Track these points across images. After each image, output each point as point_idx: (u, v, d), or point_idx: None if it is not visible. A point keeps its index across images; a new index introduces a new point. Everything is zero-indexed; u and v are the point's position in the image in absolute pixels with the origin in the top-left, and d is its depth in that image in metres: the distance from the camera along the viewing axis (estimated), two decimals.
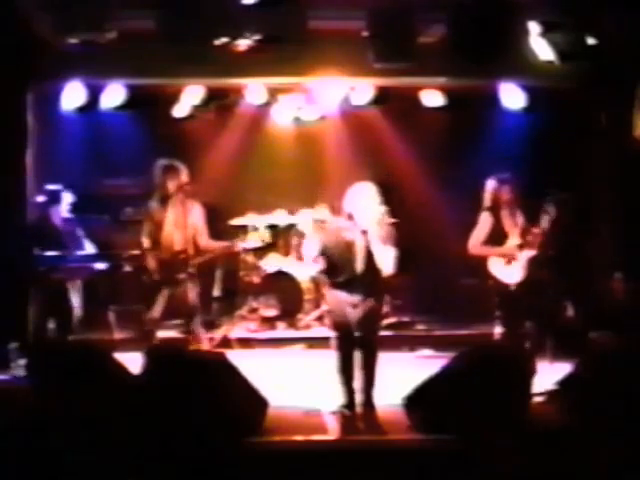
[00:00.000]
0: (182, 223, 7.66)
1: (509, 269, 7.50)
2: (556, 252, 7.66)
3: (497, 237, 7.57)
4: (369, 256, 6.28)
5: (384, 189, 6.46)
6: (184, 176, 7.66)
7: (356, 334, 6.31)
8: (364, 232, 6.27)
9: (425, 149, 10.53)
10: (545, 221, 7.39)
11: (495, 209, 7.56)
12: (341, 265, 6.33)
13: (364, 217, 6.27)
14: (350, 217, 6.35)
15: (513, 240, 7.51)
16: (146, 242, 7.72)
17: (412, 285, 10.16)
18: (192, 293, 7.70)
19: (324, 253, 6.42)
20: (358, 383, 6.33)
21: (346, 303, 6.32)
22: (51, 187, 8.34)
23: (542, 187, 7.90)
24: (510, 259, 7.52)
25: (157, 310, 7.63)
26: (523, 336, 7.40)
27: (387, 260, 6.29)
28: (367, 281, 6.29)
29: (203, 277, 8.13)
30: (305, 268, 9.67)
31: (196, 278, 7.77)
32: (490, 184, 7.65)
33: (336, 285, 6.37)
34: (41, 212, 8.31)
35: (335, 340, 6.36)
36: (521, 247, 7.50)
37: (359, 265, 6.29)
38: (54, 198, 8.26)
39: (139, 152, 9.98)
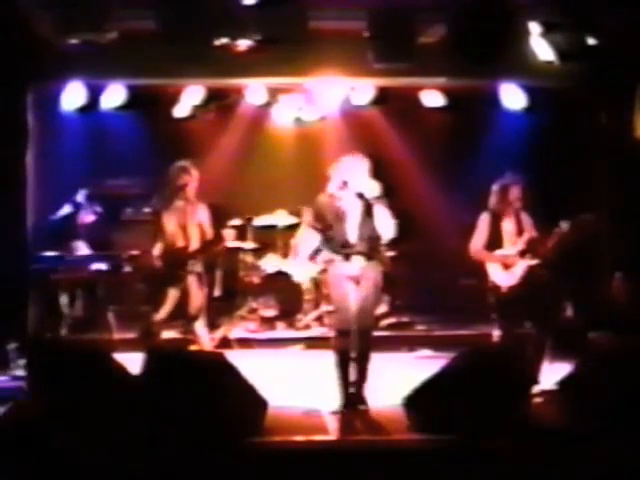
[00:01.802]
0: (186, 223, 7.66)
1: (505, 273, 7.47)
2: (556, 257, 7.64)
3: (496, 239, 7.52)
4: (364, 223, 6.40)
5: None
6: (195, 177, 7.68)
7: (353, 328, 6.32)
8: (360, 196, 6.37)
9: (425, 149, 10.54)
10: (555, 235, 7.34)
11: (497, 210, 7.51)
12: (336, 233, 6.43)
13: (359, 185, 6.39)
14: (344, 184, 6.43)
15: (515, 246, 7.44)
16: (156, 246, 7.68)
17: (412, 285, 10.18)
18: (198, 295, 7.70)
19: (319, 221, 6.55)
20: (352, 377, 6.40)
21: (346, 280, 6.36)
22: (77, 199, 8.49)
23: (542, 187, 7.92)
24: (509, 265, 7.48)
25: (164, 311, 7.63)
26: (523, 336, 7.40)
27: (387, 223, 6.42)
28: (363, 248, 6.40)
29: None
30: (304, 268, 9.67)
31: (203, 278, 7.77)
32: (498, 184, 7.57)
33: (331, 248, 6.47)
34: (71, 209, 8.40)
35: (333, 336, 6.53)
36: (523, 254, 7.45)
37: (354, 232, 6.40)
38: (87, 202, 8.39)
39: (140, 152, 10.01)
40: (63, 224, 8.42)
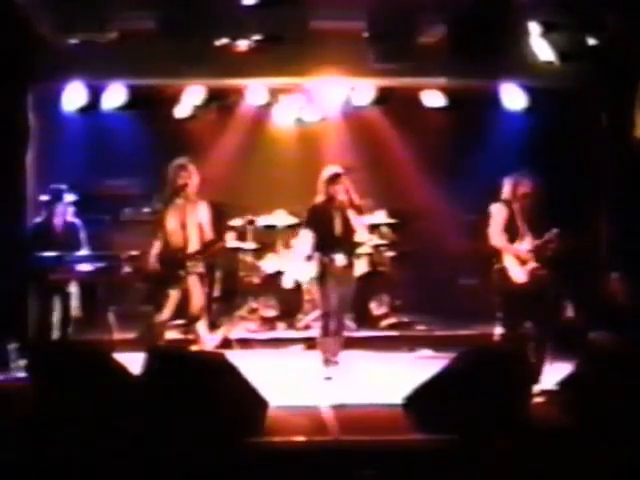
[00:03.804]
0: (186, 222, 7.66)
1: (521, 269, 7.36)
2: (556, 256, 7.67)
3: (511, 230, 7.46)
4: (346, 226, 7.62)
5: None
6: (194, 175, 7.68)
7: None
8: (341, 204, 7.60)
9: (426, 149, 10.53)
10: (554, 238, 7.37)
11: (509, 202, 7.48)
12: (325, 233, 7.62)
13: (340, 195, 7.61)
14: (329, 196, 7.64)
15: (527, 243, 7.43)
16: (156, 245, 7.68)
17: (412, 285, 10.18)
18: (200, 295, 7.69)
19: (308, 226, 7.82)
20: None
21: (329, 274, 7.55)
22: (54, 186, 8.38)
23: (542, 187, 7.93)
24: (523, 261, 7.46)
25: (167, 312, 7.62)
26: (523, 336, 7.40)
27: (360, 228, 7.74)
28: (345, 245, 7.64)
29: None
30: (304, 268, 9.67)
31: (203, 279, 7.77)
32: (508, 180, 7.55)
33: (321, 248, 7.64)
34: (44, 213, 8.34)
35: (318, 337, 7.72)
36: (532, 252, 7.45)
37: (338, 232, 7.61)
38: (57, 197, 8.29)
39: (140, 152, 10.00)
40: (38, 229, 8.39)
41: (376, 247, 9.95)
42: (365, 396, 6.84)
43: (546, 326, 7.39)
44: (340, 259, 7.61)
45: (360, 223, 7.76)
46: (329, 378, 7.49)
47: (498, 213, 7.40)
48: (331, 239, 7.63)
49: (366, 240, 8.41)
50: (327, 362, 7.62)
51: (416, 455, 5.26)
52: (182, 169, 7.65)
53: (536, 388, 6.29)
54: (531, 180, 7.47)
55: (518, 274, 7.36)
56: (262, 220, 10.30)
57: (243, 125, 10.71)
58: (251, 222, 10.22)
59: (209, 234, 7.70)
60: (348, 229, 7.67)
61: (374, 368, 7.92)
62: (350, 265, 7.73)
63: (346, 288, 7.74)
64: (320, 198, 7.71)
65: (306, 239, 7.84)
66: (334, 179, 7.67)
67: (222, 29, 7.70)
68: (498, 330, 7.49)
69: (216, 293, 9.65)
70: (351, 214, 7.64)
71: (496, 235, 7.35)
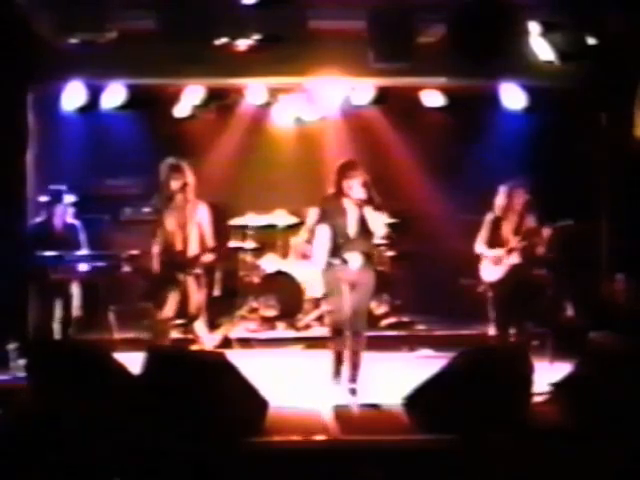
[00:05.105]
0: (185, 223, 7.64)
1: (492, 269, 7.92)
2: (553, 255, 7.84)
3: (495, 239, 7.77)
4: (362, 223, 6.90)
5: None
6: (189, 175, 7.64)
7: (347, 329, 6.78)
8: (358, 202, 6.85)
9: (425, 149, 10.53)
10: (540, 239, 7.64)
11: (501, 211, 7.76)
12: (337, 230, 6.89)
13: (357, 190, 6.85)
14: (340, 189, 6.91)
15: (508, 245, 7.73)
16: (155, 246, 7.67)
17: (412, 285, 10.19)
18: (198, 295, 7.68)
19: (322, 221, 7.01)
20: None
21: (343, 284, 6.75)
22: (54, 187, 8.39)
23: (542, 187, 7.98)
24: (498, 261, 7.86)
25: (169, 310, 7.61)
26: (522, 335, 7.46)
27: (379, 224, 6.94)
28: (360, 245, 6.91)
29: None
30: (304, 268, 9.67)
31: (202, 279, 7.76)
32: (506, 187, 7.84)
33: (333, 250, 6.88)
34: (44, 213, 8.35)
35: (329, 336, 7.11)
36: (510, 252, 7.80)
37: (352, 230, 6.89)
38: (56, 198, 8.30)
39: (139, 152, 9.99)
40: (38, 229, 8.39)
41: (376, 247, 9.94)
42: (365, 396, 6.84)
43: (545, 325, 7.49)
44: (355, 259, 6.82)
45: (378, 222, 6.93)
46: (354, 391, 6.85)
47: (485, 223, 7.91)
48: (343, 238, 6.86)
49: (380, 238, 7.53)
50: (337, 372, 6.99)
51: (416, 455, 5.26)
52: (175, 170, 7.59)
53: (536, 388, 6.29)
54: (527, 189, 7.71)
55: (489, 274, 7.91)
56: (262, 220, 10.31)
57: (243, 125, 10.71)
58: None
59: (209, 235, 7.68)
60: (364, 229, 6.90)
61: (374, 368, 7.90)
62: (365, 268, 6.91)
63: (361, 296, 6.89)
64: (331, 190, 6.97)
65: (324, 234, 6.94)
66: (348, 169, 6.89)
67: (221, 29, 7.69)
68: (491, 329, 7.71)
69: (216, 293, 9.64)
70: (368, 211, 6.83)
71: (477, 245, 7.95)
